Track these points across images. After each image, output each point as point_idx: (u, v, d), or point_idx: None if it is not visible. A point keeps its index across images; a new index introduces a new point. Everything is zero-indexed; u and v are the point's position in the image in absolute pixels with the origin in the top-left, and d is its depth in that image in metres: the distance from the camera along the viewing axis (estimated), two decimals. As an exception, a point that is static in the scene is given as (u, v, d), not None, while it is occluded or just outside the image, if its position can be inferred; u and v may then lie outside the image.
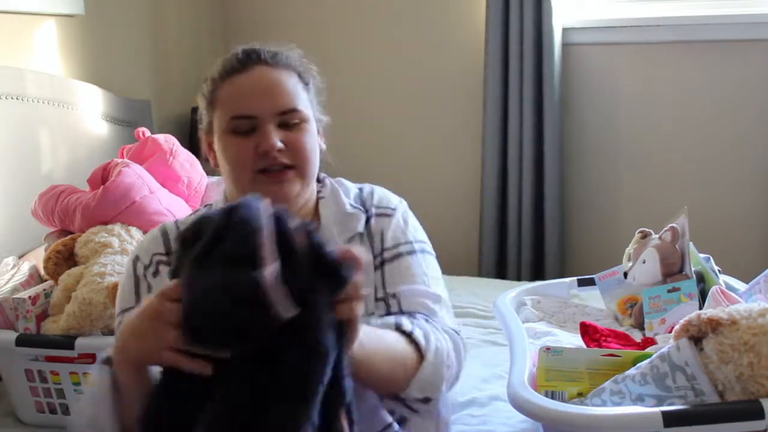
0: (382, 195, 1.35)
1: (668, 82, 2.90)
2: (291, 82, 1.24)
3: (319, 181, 1.34)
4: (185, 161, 2.16)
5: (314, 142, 1.25)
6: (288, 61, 1.26)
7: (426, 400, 1.15)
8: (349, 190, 1.35)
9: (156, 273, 1.24)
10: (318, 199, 1.31)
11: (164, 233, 1.28)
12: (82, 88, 2.57)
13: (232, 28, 3.41)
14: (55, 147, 2.44)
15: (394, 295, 1.22)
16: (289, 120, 1.21)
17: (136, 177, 1.95)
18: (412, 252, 1.28)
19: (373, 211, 1.31)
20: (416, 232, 1.33)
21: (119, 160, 2.04)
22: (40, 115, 2.38)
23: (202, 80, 1.30)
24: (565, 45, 2.92)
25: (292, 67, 1.26)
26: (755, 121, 2.81)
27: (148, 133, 2.19)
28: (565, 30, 2.92)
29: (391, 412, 1.16)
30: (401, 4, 3.19)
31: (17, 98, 2.28)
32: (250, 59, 1.23)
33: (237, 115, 1.20)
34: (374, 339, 1.07)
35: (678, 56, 2.88)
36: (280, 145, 1.19)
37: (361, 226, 1.29)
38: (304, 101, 1.25)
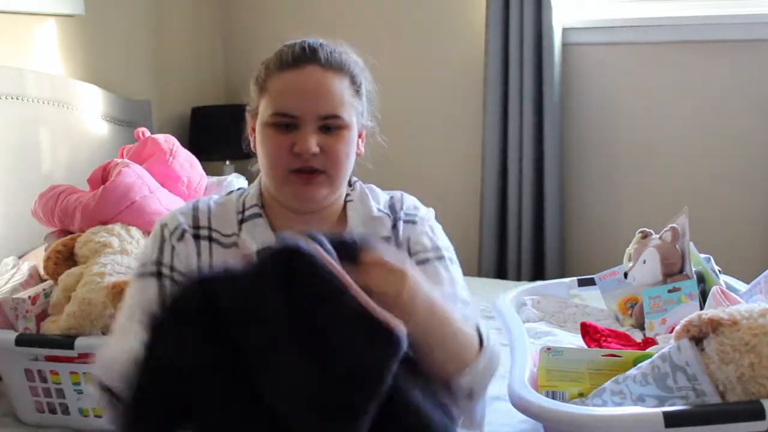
0: (411, 202, 1.37)
1: (668, 82, 2.90)
2: (340, 87, 1.24)
3: (350, 184, 1.35)
4: (185, 161, 2.16)
5: (350, 150, 1.26)
6: (343, 64, 1.25)
7: (470, 396, 1.12)
8: (378, 197, 1.36)
9: (180, 238, 1.25)
10: (346, 201, 1.33)
11: (195, 208, 1.30)
12: (82, 88, 2.57)
13: (232, 28, 3.41)
14: (55, 147, 2.44)
15: None
16: (330, 125, 1.22)
17: (136, 177, 1.95)
18: (440, 258, 1.29)
19: (402, 215, 1.33)
20: (444, 240, 1.34)
21: (119, 160, 2.04)
22: (40, 115, 2.38)
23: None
24: (565, 45, 2.92)
25: (346, 70, 1.25)
26: (755, 121, 2.81)
27: (148, 133, 2.19)
28: (565, 30, 2.92)
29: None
30: (401, 5, 3.19)
31: (17, 98, 2.29)
32: (305, 56, 1.23)
33: (280, 112, 1.21)
34: (446, 309, 1.08)
35: (678, 56, 2.88)
36: (315, 149, 1.20)
37: (386, 231, 1.30)
38: (349, 107, 1.25)
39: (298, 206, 1.26)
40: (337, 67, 1.24)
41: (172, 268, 1.23)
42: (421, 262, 1.27)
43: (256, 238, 1.25)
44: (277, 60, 1.24)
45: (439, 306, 1.05)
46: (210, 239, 1.26)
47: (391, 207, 1.34)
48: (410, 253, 1.28)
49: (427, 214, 1.36)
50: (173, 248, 1.24)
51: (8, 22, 2.35)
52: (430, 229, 1.33)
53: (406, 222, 1.32)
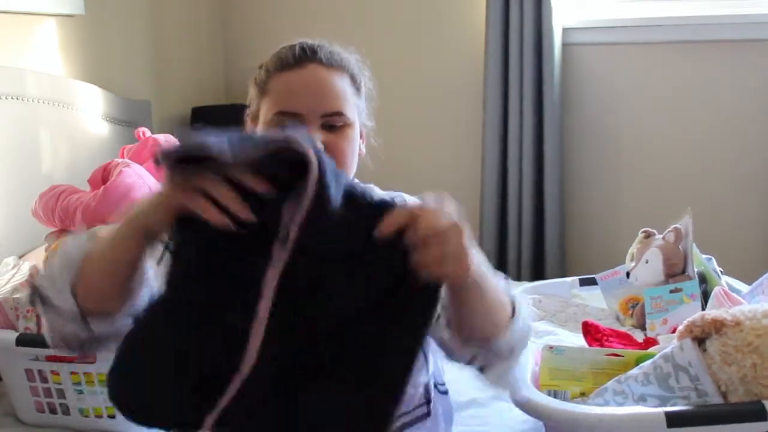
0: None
1: (668, 82, 2.90)
2: (342, 85, 1.24)
3: None
4: (186, 161, 2.16)
5: (353, 148, 1.25)
6: (343, 63, 1.26)
7: (512, 353, 1.08)
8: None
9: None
10: None
11: None
12: (82, 88, 2.56)
13: (232, 28, 3.41)
14: (55, 147, 2.44)
15: None
16: (334, 122, 1.21)
17: (137, 177, 1.95)
18: None
19: None
20: None
21: (119, 160, 2.03)
22: (40, 115, 2.37)
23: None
24: (565, 45, 2.92)
25: (346, 69, 1.26)
26: (756, 121, 2.81)
27: (148, 133, 2.18)
28: (565, 30, 2.92)
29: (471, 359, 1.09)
30: (401, 4, 3.19)
31: (17, 98, 2.28)
32: (305, 56, 1.23)
33: (283, 111, 1.21)
34: (486, 270, 1.02)
35: (678, 56, 2.88)
36: (321, 146, 1.19)
37: None
38: (352, 105, 1.25)
39: None
40: (337, 65, 1.25)
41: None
42: None
43: None
44: (278, 61, 1.24)
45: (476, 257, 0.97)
46: None
47: None
48: None
49: None
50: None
51: (8, 22, 2.35)
52: None
53: None
